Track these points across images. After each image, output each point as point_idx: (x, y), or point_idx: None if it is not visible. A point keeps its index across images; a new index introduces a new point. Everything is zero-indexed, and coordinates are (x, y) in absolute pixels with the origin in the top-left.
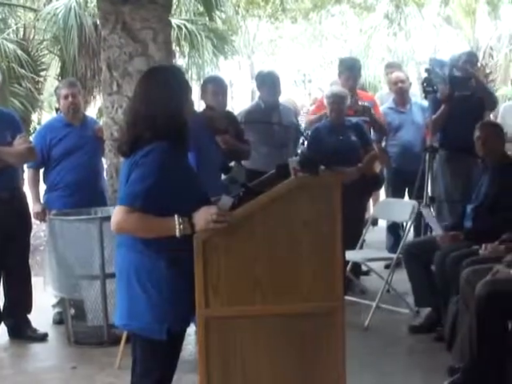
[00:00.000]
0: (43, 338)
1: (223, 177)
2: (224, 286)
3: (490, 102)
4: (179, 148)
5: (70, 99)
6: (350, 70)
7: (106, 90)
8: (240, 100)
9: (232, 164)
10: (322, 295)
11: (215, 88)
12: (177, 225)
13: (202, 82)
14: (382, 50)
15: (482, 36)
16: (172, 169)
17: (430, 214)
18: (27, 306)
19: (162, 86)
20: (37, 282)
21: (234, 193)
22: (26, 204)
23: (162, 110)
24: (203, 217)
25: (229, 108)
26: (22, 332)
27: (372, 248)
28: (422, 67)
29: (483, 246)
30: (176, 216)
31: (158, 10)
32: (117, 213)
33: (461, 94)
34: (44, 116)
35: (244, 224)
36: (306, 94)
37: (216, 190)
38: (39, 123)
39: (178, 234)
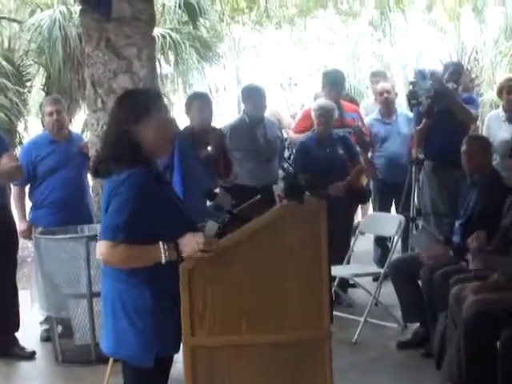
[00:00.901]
0: (31, 356)
1: (208, 203)
2: (210, 314)
3: (466, 118)
4: (151, 173)
5: (54, 116)
6: (333, 82)
7: (91, 106)
8: (226, 105)
9: (217, 190)
10: (309, 323)
11: (200, 104)
12: (162, 252)
13: (187, 91)
14: (368, 55)
15: (467, 39)
16: (150, 195)
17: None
18: (14, 324)
19: (116, 111)
20: (24, 296)
21: (220, 219)
22: (13, 222)
23: (113, 135)
24: (189, 244)
25: (215, 116)
26: (10, 350)
27: (359, 259)
28: (408, 70)
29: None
30: (160, 243)
31: (142, 27)
32: (101, 246)
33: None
34: (30, 125)
35: (230, 253)
36: (292, 98)
37: (202, 215)
38: (26, 130)
39: (163, 260)
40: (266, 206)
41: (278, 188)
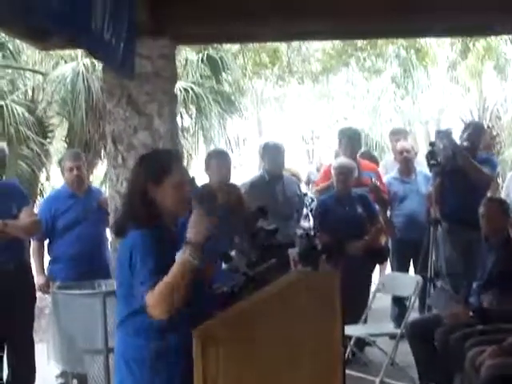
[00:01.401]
0: None
1: (224, 265)
2: (224, 381)
3: (479, 178)
4: (164, 235)
5: (74, 172)
6: (349, 140)
7: (111, 162)
8: (248, 157)
9: (233, 253)
10: None
11: (219, 163)
12: (187, 254)
13: (208, 144)
14: (390, 110)
15: (489, 96)
16: (164, 252)
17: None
18: (30, 379)
19: (136, 172)
20: (40, 348)
21: (235, 281)
22: (31, 276)
23: (132, 196)
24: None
25: (236, 167)
26: None
27: (377, 316)
28: (429, 126)
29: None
30: (179, 253)
31: (163, 84)
32: (148, 302)
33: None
34: (52, 175)
35: (243, 322)
36: (312, 150)
37: (217, 277)
38: (48, 180)
39: (192, 260)
40: (281, 269)
41: (294, 252)
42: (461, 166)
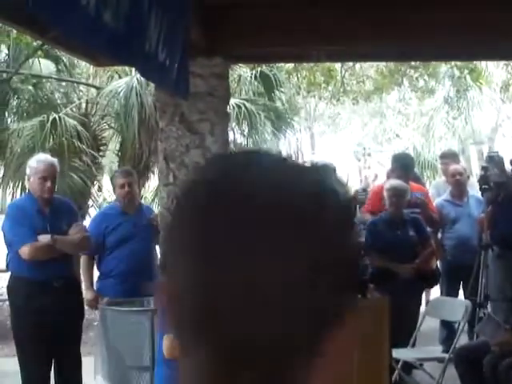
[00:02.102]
0: None
1: None
2: None
3: None
4: None
5: (126, 188)
6: (402, 167)
7: (163, 180)
8: None
9: None
10: None
11: None
12: None
13: None
14: (442, 129)
15: None
16: None
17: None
18: None
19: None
20: (87, 362)
21: None
22: (80, 292)
23: None
24: None
25: None
26: None
27: (425, 338)
28: (483, 146)
29: None
30: None
31: (216, 102)
32: (166, 342)
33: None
34: (105, 188)
35: None
36: (365, 167)
37: None
38: (100, 191)
39: None
40: None
41: None
42: (509, 193)
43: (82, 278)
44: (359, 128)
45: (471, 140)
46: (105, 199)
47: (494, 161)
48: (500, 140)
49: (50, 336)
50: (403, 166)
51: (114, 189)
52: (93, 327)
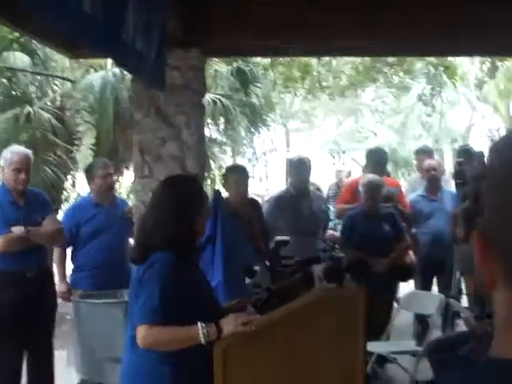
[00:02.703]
0: None
1: (247, 280)
2: None
3: None
4: (187, 259)
5: (108, 179)
6: (376, 163)
7: (138, 173)
8: (275, 169)
9: (257, 268)
10: None
11: (237, 177)
12: (200, 331)
13: (236, 156)
14: (417, 127)
15: None
16: (179, 280)
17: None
18: None
19: (175, 196)
20: (60, 355)
21: (258, 296)
22: (53, 283)
23: (173, 219)
24: (232, 322)
25: (263, 178)
26: None
27: (399, 333)
28: (457, 144)
29: None
30: (199, 323)
31: (192, 95)
32: (140, 331)
33: None
34: (78, 182)
35: (266, 333)
36: (340, 164)
37: (240, 290)
38: (73, 186)
39: (203, 340)
40: (305, 285)
41: (318, 269)
42: None
43: (55, 270)
44: (334, 126)
45: (446, 138)
46: (79, 194)
47: (469, 154)
48: (474, 139)
49: (22, 327)
50: (377, 160)
51: (88, 181)
52: (65, 321)
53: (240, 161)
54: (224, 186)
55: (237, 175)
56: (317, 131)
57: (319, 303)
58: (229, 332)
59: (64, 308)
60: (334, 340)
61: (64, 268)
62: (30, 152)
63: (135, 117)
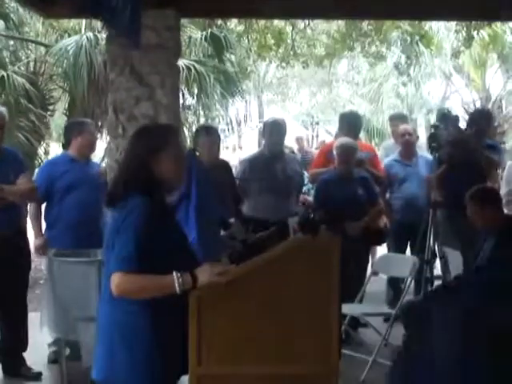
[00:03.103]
0: (37, 377)
1: (222, 233)
2: (218, 344)
3: (486, 164)
4: (162, 208)
5: (93, 138)
6: (350, 126)
7: (112, 132)
8: (247, 140)
9: (232, 220)
10: (318, 358)
11: (209, 138)
12: (176, 281)
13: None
14: (392, 97)
15: (492, 87)
16: (157, 225)
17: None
18: (22, 344)
19: (133, 141)
20: (34, 317)
21: (233, 249)
22: (27, 243)
23: (132, 164)
24: (207, 271)
25: (236, 149)
26: (16, 370)
27: (372, 299)
28: (431, 115)
29: None
30: (174, 272)
31: (167, 55)
32: (114, 278)
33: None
34: (52, 149)
35: (241, 283)
36: (313, 136)
37: (215, 245)
38: (46, 154)
39: (178, 289)
40: (281, 237)
41: (293, 221)
42: (465, 152)
43: (31, 225)
44: (307, 98)
45: (420, 109)
46: None
47: (448, 118)
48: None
49: None
50: (350, 123)
51: (69, 137)
52: (38, 285)
53: None
54: (195, 147)
55: (208, 136)
56: (290, 103)
57: (294, 252)
58: (203, 282)
59: (38, 273)
60: (308, 289)
61: (40, 223)
62: (3, 109)
63: (110, 76)
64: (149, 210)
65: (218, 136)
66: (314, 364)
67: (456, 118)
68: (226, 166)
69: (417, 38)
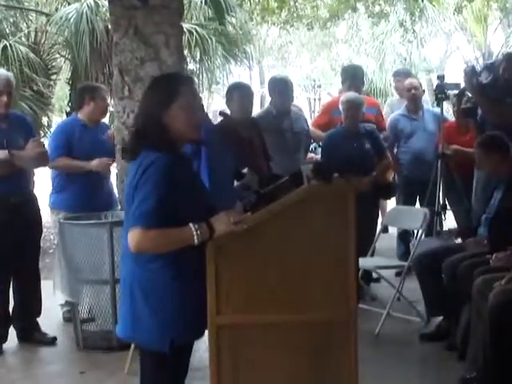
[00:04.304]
0: (52, 341)
1: (236, 183)
2: (236, 293)
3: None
4: (178, 157)
5: (106, 103)
6: (353, 77)
7: (118, 94)
8: None
9: (245, 171)
10: (336, 305)
11: (241, 95)
12: (194, 232)
13: (212, 88)
14: (394, 56)
15: (493, 43)
16: (177, 179)
17: None
18: (36, 310)
19: (146, 96)
20: (46, 285)
21: (247, 199)
22: (38, 208)
23: (142, 117)
24: (223, 220)
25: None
26: (31, 336)
27: (382, 255)
28: (432, 75)
29: (494, 255)
30: (191, 224)
31: (171, 15)
32: (134, 234)
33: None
34: (54, 119)
35: (257, 231)
36: (315, 99)
37: (229, 195)
38: (49, 126)
39: (196, 240)
40: (294, 186)
41: (307, 168)
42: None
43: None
44: (308, 62)
45: (422, 68)
46: None
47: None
48: (451, 67)
49: (8, 252)
50: (353, 75)
51: (83, 102)
52: (48, 254)
53: (215, 96)
54: (227, 103)
55: (240, 92)
56: (291, 68)
57: (310, 199)
58: (220, 232)
59: (47, 243)
60: (324, 235)
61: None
62: (10, 75)
63: (113, 38)
64: (165, 164)
65: (251, 91)
66: (332, 311)
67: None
68: (254, 122)
69: None
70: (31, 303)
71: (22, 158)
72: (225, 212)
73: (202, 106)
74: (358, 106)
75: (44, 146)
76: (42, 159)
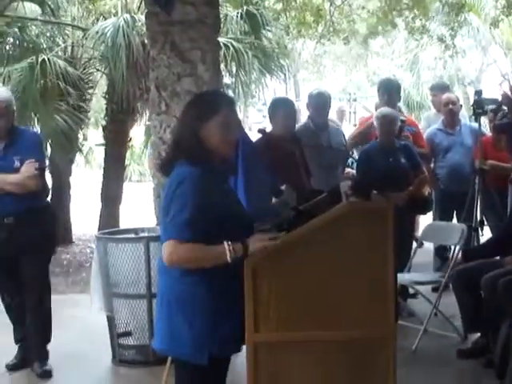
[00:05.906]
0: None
1: (274, 200)
2: (274, 311)
3: None
4: (215, 174)
5: None
6: (389, 89)
7: (155, 109)
8: None
9: (283, 187)
10: (374, 321)
11: (286, 112)
12: (227, 250)
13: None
14: (430, 69)
15: None
16: (212, 192)
17: None
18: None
19: (185, 111)
20: (81, 299)
21: (285, 216)
22: (43, 224)
23: (181, 133)
24: (258, 237)
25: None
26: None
27: (418, 270)
28: (468, 88)
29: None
30: (225, 242)
31: (207, 30)
32: (167, 246)
33: None
34: (90, 134)
35: (295, 248)
36: (351, 113)
37: (266, 212)
38: (85, 139)
39: (229, 258)
40: (333, 203)
41: (345, 185)
42: None
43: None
44: (343, 75)
45: (458, 81)
46: (90, 148)
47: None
48: (487, 81)
49: (10, 272)
50: (388, 88)
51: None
52: (85, 268)
53: (251, 110)
54: (270, 118)
55: (285, 109)
56: (326, 81)
57: (347, 216)
58: (255, 248)
59: (83, 256)
60: (363, 253)
61: None
62: (6, 95)
63: (151, 54)
64: (199, 178)
65: (295, 108)
66: (372, 328)
67: None
68: (296, 138)
69: (456, 7)
70: (36, 317)
71: (6, 182)
72: (260, 233)
73: (240, 121)
74: (392, 120)
75: (37, 169)
76: (30, 184)
